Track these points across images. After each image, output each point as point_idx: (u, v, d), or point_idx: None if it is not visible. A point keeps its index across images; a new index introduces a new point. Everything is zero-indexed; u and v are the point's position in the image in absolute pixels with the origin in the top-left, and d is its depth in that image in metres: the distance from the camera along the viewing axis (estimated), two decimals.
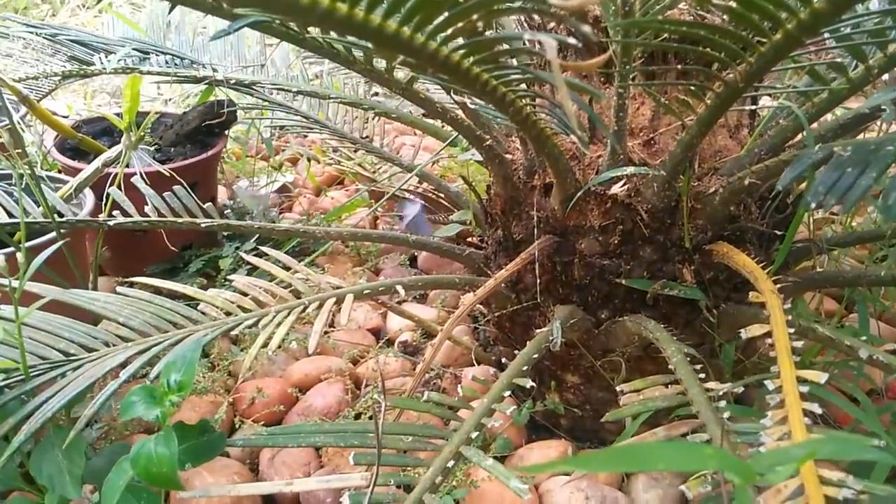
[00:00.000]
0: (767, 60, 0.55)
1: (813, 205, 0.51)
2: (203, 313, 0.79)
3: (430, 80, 0.83)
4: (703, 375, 0.63)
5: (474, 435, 0.61)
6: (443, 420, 0.62)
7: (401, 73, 0.82)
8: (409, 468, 0.58)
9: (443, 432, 0.61)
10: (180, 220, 0.93)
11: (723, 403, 0.57)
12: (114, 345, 0.73)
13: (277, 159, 1.82)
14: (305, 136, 1.98)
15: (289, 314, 0.77)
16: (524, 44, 0.53)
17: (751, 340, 0.96)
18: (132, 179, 0.98)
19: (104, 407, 0.64)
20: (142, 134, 0.99)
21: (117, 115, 1.24)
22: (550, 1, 0.34)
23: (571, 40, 0.39)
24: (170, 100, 1.97)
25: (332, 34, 0.69)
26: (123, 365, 0.69)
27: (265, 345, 0.73)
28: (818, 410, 0.50)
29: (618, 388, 0.61)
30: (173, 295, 0.81)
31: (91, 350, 0.72)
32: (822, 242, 0.86)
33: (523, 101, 0.64)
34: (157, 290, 0.81)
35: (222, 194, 1.59)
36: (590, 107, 0.80)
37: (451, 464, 0.58)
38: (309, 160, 1.62)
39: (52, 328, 0.73)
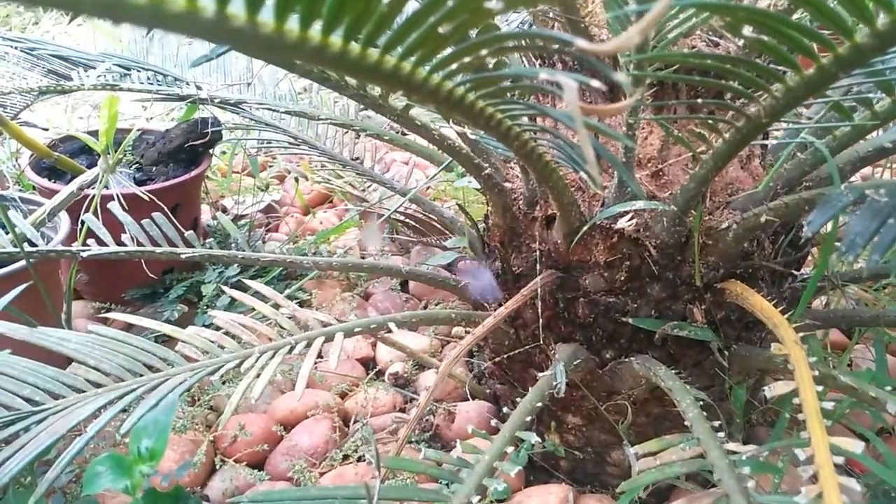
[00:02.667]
0: (796, 97, 0.51)
1: (850, 256, 0.46)
2: (182, 355, 0.74)
3: (428, 109, 0.78)
4: (721, 434, 0.58)
5: (475, 499, 0.56)
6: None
7: (396, 100, 0.78)
8: None
9: (440, 496, 0.56)
10: (159, 249, 0.87)
11: (746, 470, 0.53)
12: (84, 391, 0.68)
13: (264, 176, 1.77)
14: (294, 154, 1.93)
15: (274, 355, 0.72)
16: (531, 80, 0.49)
17: (759, 381, 0.93)
18: (109, 205, 0.93)
19: (76, 456, 0.59)
20: (119, 157, 0.93)
21: (95, 132, 1.18)
22: (580, 45, 0.29)
23: (595, 83, 0.34)
24: (151, 118, 1.91)
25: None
26: (95, 415, 0.63)
27: (249, 389, 0.67)
28: (857, 488, 0.45)
29: (632, 451, 0.56)
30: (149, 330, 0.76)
31: (59, 397, 0.66)
32: (836, 278, 0.82)
33: (528, 134, 0.59)
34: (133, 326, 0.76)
35: (206, 214, 1.53)
36: (595, 139, 0.75)
37: None
38: (296, 179, 1.57)
39: (17, 372, 0.67)
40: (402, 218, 1.44)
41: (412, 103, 0.70)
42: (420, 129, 0.79)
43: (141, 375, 0.70)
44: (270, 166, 1.83)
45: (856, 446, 0.48)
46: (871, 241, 0.47)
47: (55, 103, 2.22)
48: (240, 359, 0.72)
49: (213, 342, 0.75)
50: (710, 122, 0.61)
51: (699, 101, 0.64)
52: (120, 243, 0.90)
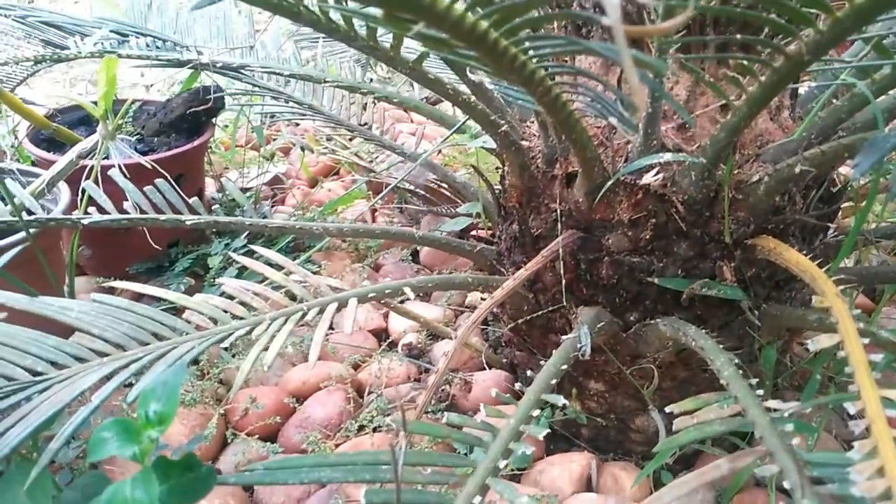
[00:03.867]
0: (844, 28, 0.47)
1: None
2: (189, 322, 0.71)
3: (441, 56, 0.74)
4: (760, 392, 0.55)
5: (502, 464, 0.53)
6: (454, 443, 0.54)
7: (407, 52, 0.74)
8: None
9: (466, 461, 0.53)
10: (163, 217, 0.84)
11: (788, 427, 0.50)
12: (87, 360, 0.65)
13: (268, 149, 1.73)
14: (297, 125, 1.89)
15: (286, 322, 0.69)
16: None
17: (787, 343, 0.90)
18: (110, 172, 0.89)
19: (81, 427, 0.57)
20: (119, 122, 0.89)
21: (95, 103, 1.14)
22: None
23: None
24: (151, 85, 1.86)
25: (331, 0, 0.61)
26: (100, 384, 0.60)
27: (260, 358, 0.64)
28: None
29: (667, 410, 0.53)
30: (157, 301, 0.73)
31: (62, 367, 0.63)
32: (869, 234, 0.78)
33: (552, 79, 0.56)
34: (139, 296, 0.73)
35: (211, 187, 1.50)
36: (619, 89, 0.71)
37: (477, 500, 0.50)
38: (303, 149, 1.53)
39: (18, 343, 0.65)
40: (411, 187, 1.40)
41: (425, 52, 0.66)
42: (434, 84, 0.75)
43: (147, 344, 0.67)
44: (275, 139, 1.79)
45: None
46: None
47: (53, 80, 2.18)
48: (250, 325, 0.69)
49: (222, 310, 0.72)
50: (744, 63, 0.57)
51: (738, 36, 0.59)
52: (122, 212, 0.87)
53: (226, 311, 0.72)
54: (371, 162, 1.57)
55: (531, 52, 0.50)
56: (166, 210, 0.87)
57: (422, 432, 0.54)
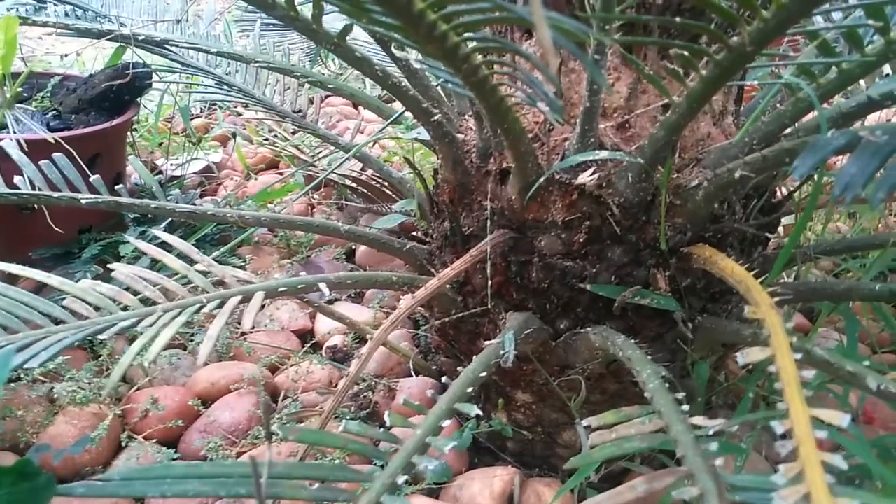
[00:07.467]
0: (791, 13, 0.44)
1: (847, 197, 0.39)
2: (71, 311, 0.63)
3: (370, 31, 0.68)
4: (686, 407, 0.51)
5: (401, 480, 0.47)
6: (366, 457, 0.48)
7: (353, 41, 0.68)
8: None
9: (360, 475, 0.48)
10: (57, 194, 0.76)
11: (713, 446, 0.46)
12: None
13: (206, 137, 1.64)
14: (239, 115, 1.81)
15: (179, 314, 0.62)
16: None
17: (721, 359, 0.87)
18: (2, 143, 0.81)
19: None
20: (18, 90, 0.81)
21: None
22: None
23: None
24: (66, 55, 1.75)
25: None
26: None
27: (143, 352, 0.57)
28: (843, 466, 0.39)
29: (584, 423, 0.49)
30: (41, 287, 0.65)
31: None
32: (809, 250, 0.76)
33: (479, 57, 0.51)
34: (12, 279, 0.65)
35: (136, 174, 1.41)
36: (558, 78, 0.67)
37: None
38: (234, 135, 1.45)
39: None
40: (350, 183, 1.34)
41: (349, 25, 0.61)
42: (361, 63, 0.70)
43: (16, 332, 0.59)
44: (212, 128, 1.70)
45: (841, 419, 0.41)
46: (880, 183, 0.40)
47: None
48: (138, 317, 0.62)
49: (110, 299, 0.65)
50: (686, 55, 0.53)
51: (677, 19, 0.56)
52: (13, 187, 0.78)
53: (115, 301, 0.65)
54: (313, 157, 1.51)
55: (453, 23, 0.45)
56: (63, 188, 0.78)
57: (308, 441, 0.48)
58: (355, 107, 2.05)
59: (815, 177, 0.65)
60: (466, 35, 0.47)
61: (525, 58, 0.48)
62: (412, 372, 0.98)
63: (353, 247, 1.29)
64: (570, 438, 0.82)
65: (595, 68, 0.52)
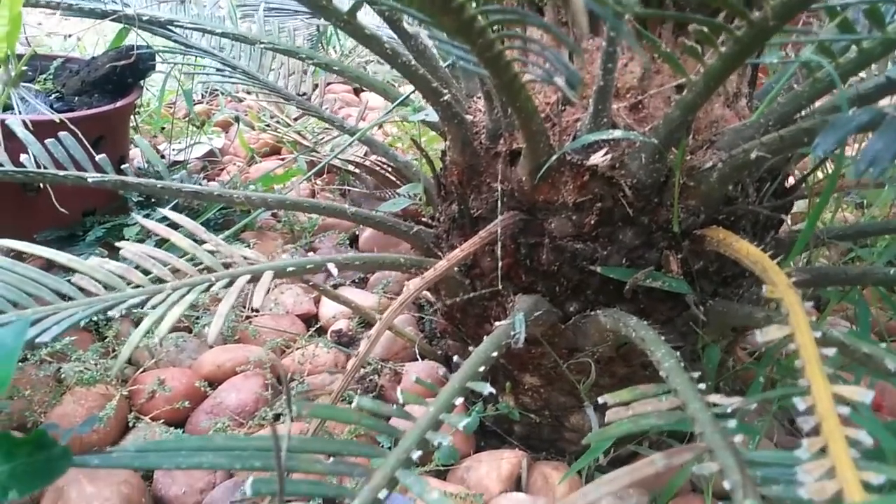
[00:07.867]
0: None
1: (874, 172, 0.39)
2: (80, 288, 0.62)
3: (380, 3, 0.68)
4: (702, 385, 0.50)
5: (416, 455, 0.47)
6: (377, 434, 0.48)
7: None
8: (327, 500, 0.44)
9: (376, 450, 0.47)
10: (63, 173, 0.75)
11: (731, 423, 0.45)
12: None
13: (209, 122, 1.63)
14: (241, 101, 1.80)
15: (188, 293, 0.61)
16: None
17: (732, 344, 0.86)
18: (8, 122, 0.80)
19: None
20: (22, 68, 0.80)
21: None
22: None
23: None
24: (70, 35, 1.73)
25: None
26: None
27: (153, 330, 0.57)
28: (867, 441, 0.38)
29: (600, 401, 0.48)
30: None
31: None
32: (822, 233, 0.75)
33: (495, 31, 0.50)
34: (19, 257, 0.64)
35: (140, 158, 1.40)
36: (570, 60, 0.67)
37: (383, 494, 0.44)
38: (236, 119, 1.44)
39: None
40: (353, 169, 1.33)
41: (359, 1, 0.60)
42: (370, 41, 0.69)
43: (25, 308, 0.59)
44: (214, 114, 1.69)
45: (864, 395, 0.40)
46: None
47: None
48: (146, 295, 0.61)
49: (119, 276, 0.64)
50: (704, 30, 0.53)
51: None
52: (19, 166, 0.78)
53: (123, 279, 0.64)
54: (316, 143, 1.50)
55: None
56: (69, 167, 0.78)
57: (323, 416, 0.48)
58: (357, 94, 2.04)
59: (833, 160, 0.64)
60: (485, 6, 0.46)
61: (546, 28, 0.48)
62: (418, 356, 0.97)
63: (357, 232, 1.28)
64: (577, 422, 0.82)
65: (622, 28, 0.51)
